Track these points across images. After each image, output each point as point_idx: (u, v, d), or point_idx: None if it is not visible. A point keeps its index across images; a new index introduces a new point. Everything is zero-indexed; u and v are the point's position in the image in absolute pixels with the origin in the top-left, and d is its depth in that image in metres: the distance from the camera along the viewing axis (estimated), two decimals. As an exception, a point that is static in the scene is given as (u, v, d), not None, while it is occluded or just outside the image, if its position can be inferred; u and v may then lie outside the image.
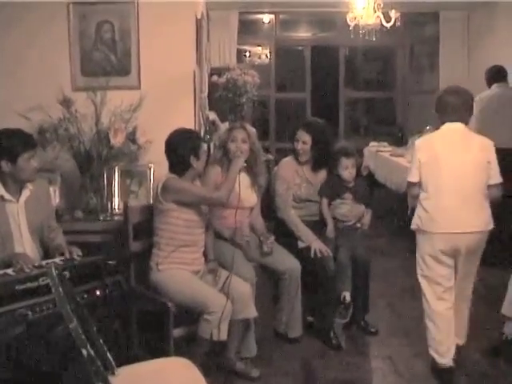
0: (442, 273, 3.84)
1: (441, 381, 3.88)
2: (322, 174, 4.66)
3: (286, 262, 4.29)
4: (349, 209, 4.53)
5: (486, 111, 6.17)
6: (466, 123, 3.88)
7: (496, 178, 3.83)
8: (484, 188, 3.80)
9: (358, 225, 4.57)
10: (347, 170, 4.53)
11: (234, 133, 4.28)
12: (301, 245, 4.45)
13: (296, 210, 4.61)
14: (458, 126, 3.84)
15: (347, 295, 4.37)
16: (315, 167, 4.65)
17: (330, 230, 4.51)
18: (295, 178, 4.62)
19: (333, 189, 4.54)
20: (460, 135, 3.86)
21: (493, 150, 3.85)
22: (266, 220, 4.57)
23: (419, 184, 3.86)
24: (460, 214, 3.74)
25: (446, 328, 3.87)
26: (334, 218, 4.53)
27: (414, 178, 3.87)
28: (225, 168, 4.24)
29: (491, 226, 3.84)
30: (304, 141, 4.56)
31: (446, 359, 3.86)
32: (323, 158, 4.59)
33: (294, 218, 4.54)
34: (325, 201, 4.54)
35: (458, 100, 3.84)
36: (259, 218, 4.49)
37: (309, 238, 4.45)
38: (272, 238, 4.34)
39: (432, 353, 3.91)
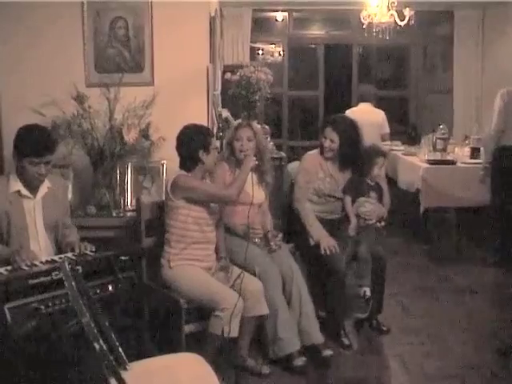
0: None
1: None
2: (347, 173, 4.63)
3: (287, 263, 4.23)
4: (372, 208, 4.51)
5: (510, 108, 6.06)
6: (372, 104, 7.79)
7: (385, 129, 7.62)
8: (379, 135, 7.43)
9: (378, 224, 4.55)
10: (382, 168, 4.55)
11: (240, 131, 4.24)
12: (312, 242, 4.45)
13: (317, 205, 4.62)
14: (368, 104, 7.78)
15: (367, 290, 4.36)
16: (342, 166, 4.62)
17: (353, 227, 4.47)
18: (318, 172, 4.61)
19: (358, 188, 4.53)
20: (368, 108, 7.71)
21: (383, 116, 7.64)
22: (275, 218, 4.57)
23: None
24: None
25: None
26: (356, 215, 4.51)
27: None
28: (232, 166, 4.25)
29: None
30: (332, 139, 4.54)
31: None
32: (351, 157, 4.57)
33: (308, 211, 4.53)
34: (348, 198, 4.53)
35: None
36: (268, 215, 4.49)
37: (318, 234, 4.42)
38: (280, 235, 4.33)
39: None
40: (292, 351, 3.99)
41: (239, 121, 5.13)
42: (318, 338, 4.14)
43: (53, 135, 3.67)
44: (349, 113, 7.00)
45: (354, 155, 4.56)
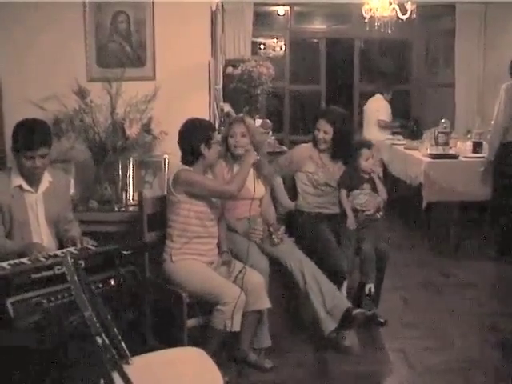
0: None
1: None
2: (339, 164, 4.64)
3: (293, 255, 4.22)
4: (368, 199, 4.51)
5: None
6: (383, 95, 8.66)
7: (383, 116, 8.53)
8: (376, 121, 8.56)
9: (378, 215, 4.54)
10: (368, 161, 4.54)
11: (234, 127, 4.24)
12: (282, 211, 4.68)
13: (315, 197, 4.63)
14: (379, 95, 8.66)
15: (372, 287, 4.35)
16: (334, 157, 4.64)
17: (351, 221, 4.46)
18: (306, 164, 4.63)
19: (351, 180, 4.53)
20: (379, 99, 8.64)
21: (385, 104, 8.62)
22: (277, 212, 4.58)
23: None
24: None
25: None
26: (354, 210, 4.50)
27: None
28: (229, 162, 4.25)
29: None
30: (325, 130, 4.55)
31: None
32: (343, 148, 4.58)
33: (280, 184, 4.68)
34: (343, 192, 4.53)
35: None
36: (270, 208, 4.47)
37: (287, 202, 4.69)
38: (282, 228, 4.33)
39: None
40: (263, 347, 4.03)
41: (240, 115, 5.13)
42: (345, 303, 4.10)
43: (49, 129, 3.65)
44: (371, 99, 8.81)
45: (346, 146, 4.58)
